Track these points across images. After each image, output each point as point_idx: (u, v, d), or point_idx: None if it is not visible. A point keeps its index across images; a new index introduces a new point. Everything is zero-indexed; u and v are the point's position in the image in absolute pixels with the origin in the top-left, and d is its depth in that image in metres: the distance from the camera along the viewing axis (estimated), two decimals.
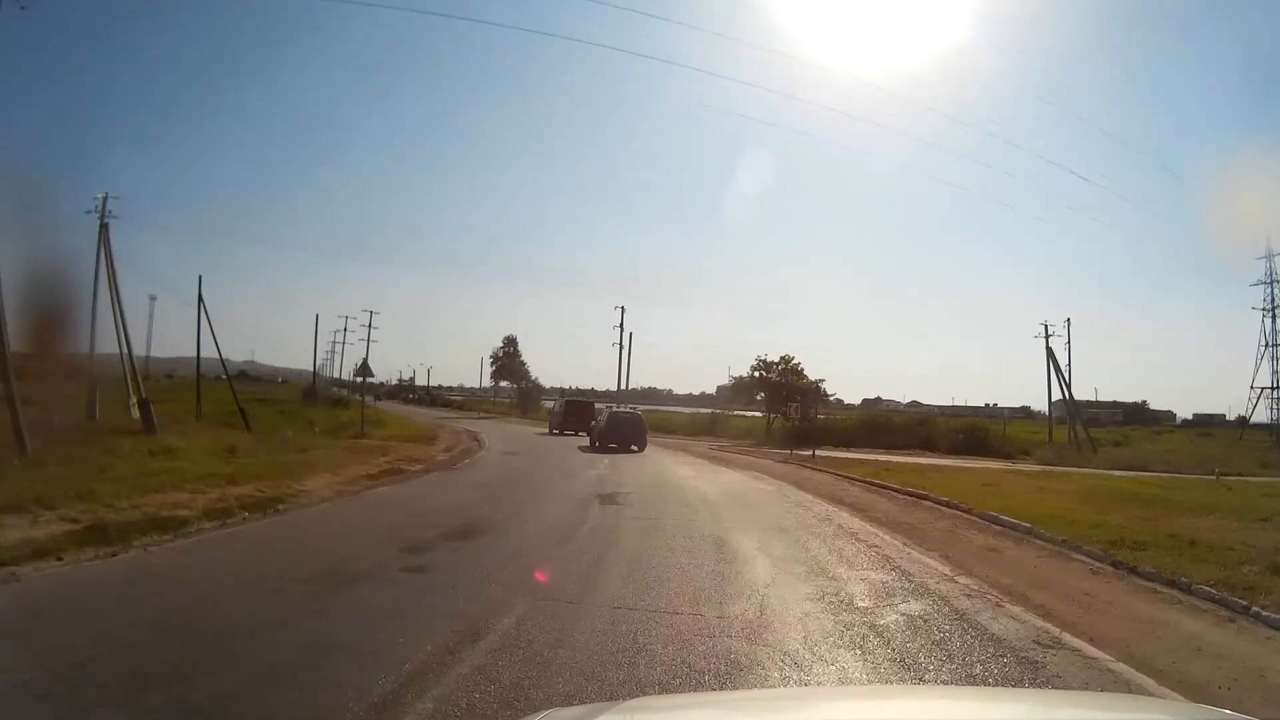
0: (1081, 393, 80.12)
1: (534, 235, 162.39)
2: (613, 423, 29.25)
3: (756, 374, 43.51)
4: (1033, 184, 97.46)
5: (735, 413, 53.85)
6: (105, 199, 26.45)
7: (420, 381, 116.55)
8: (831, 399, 44.57)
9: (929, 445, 44.09)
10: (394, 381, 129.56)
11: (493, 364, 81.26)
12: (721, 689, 4.53)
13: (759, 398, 44.40)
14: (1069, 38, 59.76)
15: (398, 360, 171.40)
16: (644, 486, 16.04)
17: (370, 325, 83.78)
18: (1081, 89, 69.99)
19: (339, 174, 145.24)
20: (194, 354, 29.43)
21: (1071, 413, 47.48)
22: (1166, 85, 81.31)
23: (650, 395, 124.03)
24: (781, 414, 43.45)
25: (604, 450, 26.91)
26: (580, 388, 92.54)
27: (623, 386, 55.44)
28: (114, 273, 25.71)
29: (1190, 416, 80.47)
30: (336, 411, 41.66)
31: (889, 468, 23.13)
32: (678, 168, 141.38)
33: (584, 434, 32.71)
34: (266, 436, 21.56)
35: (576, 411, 35.81)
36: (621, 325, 56.16)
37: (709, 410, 70.95)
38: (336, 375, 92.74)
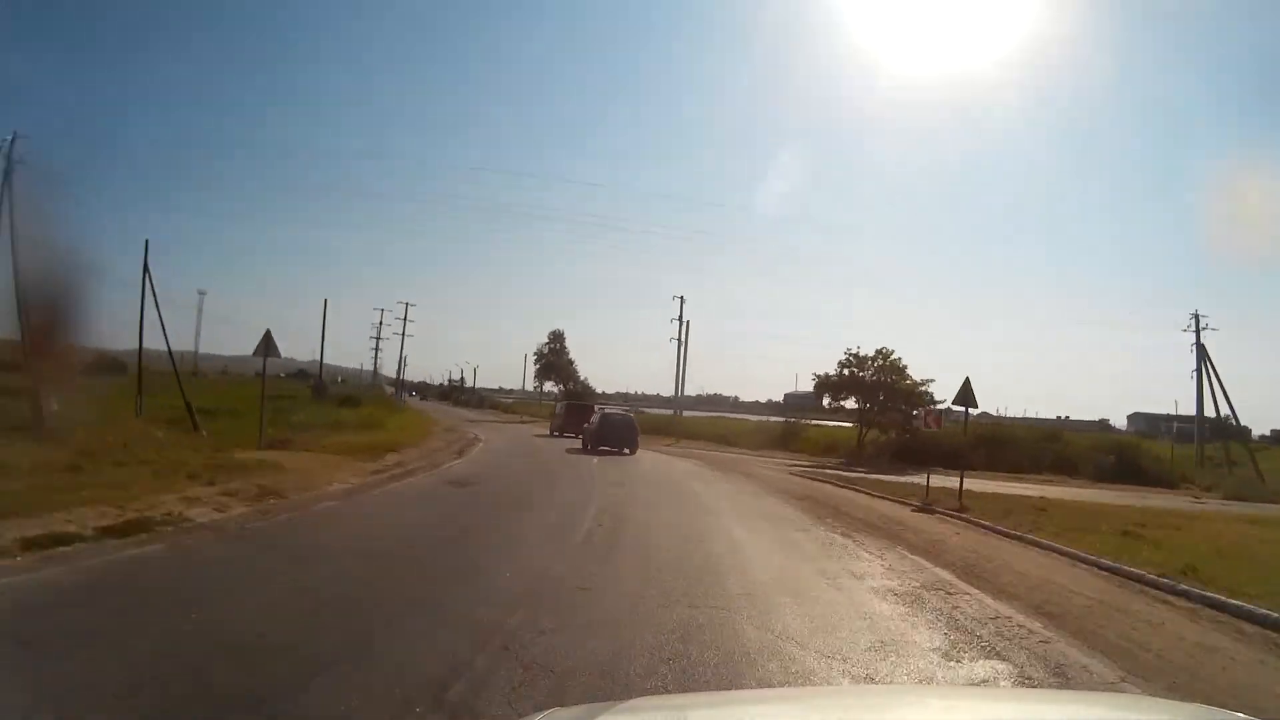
0: (1158, 405, 68.28)
1: (585, 224, 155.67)
2: (604, 425, 27.72)
3: (846, 371, 34.33)
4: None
5: (814, 421, 44.63)
6: (13, 138, 19.38)
7: (469, 383, 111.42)
8: (941, 406, 34.96)
9: (1066, 469, 34.99)
10: (446, 383, 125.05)
11: (536, 362, 73.88)
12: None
13: (846, 404, 35.05)
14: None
15: (445, 360, 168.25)
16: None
17: (405, 319, 78.24)
18: None
19: (399, 175, 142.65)
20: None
21: (1225, 430, 37.95)
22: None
23: (714, 402, 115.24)
24: (878, 424, 34.31)
25: (595, 452, 25.67)
26: (642, 393, 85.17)
27: (681, 388, 46.90)
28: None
29: (1268, 432, 65.81)
30: (340, 411, 35.62)
31: (1093, 517, 14.16)
32: (743, 156, 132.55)
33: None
34: (198, 440, 16.75)
35: (576, 414, 34.22)
36: (680, 317, 47.97)
37: (778, 418, 62.12)
38: (381, 372, 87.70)
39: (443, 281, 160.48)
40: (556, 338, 72.60)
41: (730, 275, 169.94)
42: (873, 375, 33.91)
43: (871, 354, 34.19)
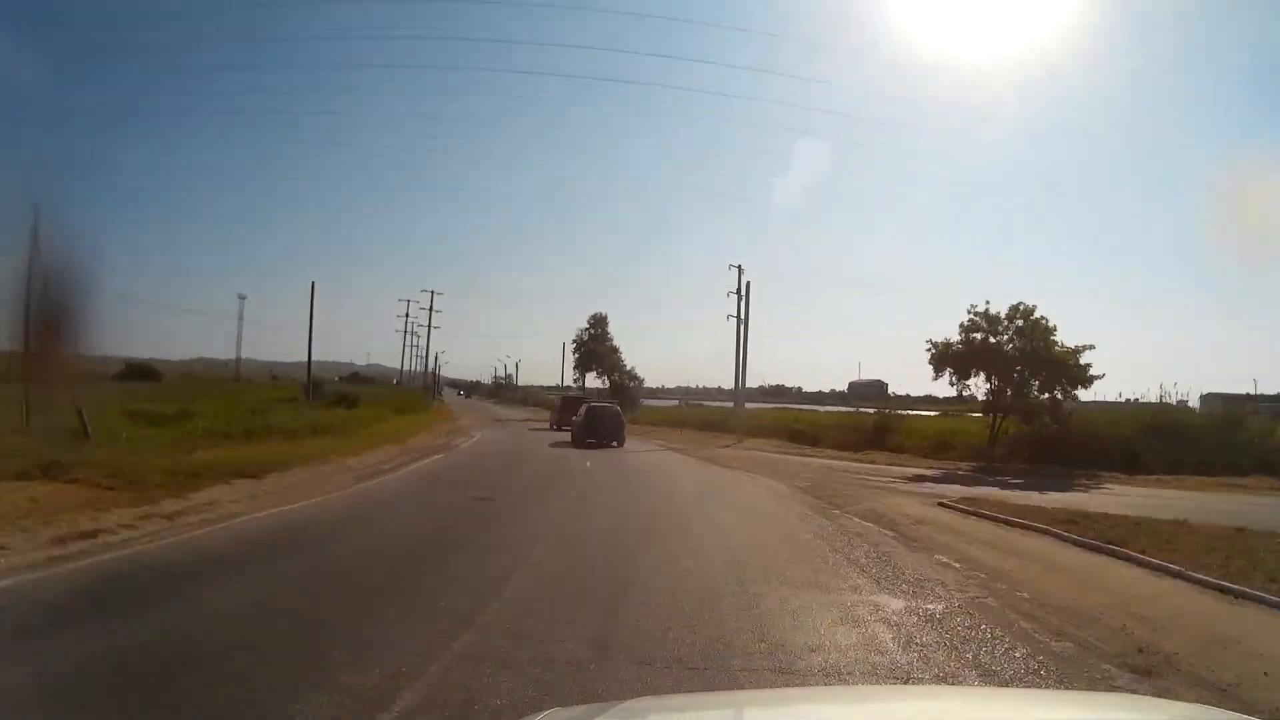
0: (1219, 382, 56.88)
1: (632, 203, 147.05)
2: (591, 417, 27.98)
3: (974, 337, 25.27)
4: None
5: (913, 412, 35.32)
6: None
7: (504, 378, 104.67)
8: (1092, 385, 25.36)
9: (1270, 468, 24.96)
10: (490, 381, 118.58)
11: (575, 351, 65.95)
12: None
13: (975, 383, 25.66)
14: None
15: (488, 356, 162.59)
16: None
17: (431, 308, 67.44)
18: None
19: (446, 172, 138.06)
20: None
21: None
22: None
23: (777, 393, 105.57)
24: (1018, 410, 25.08)
25: (583, 447, 25.06)
26: (702, 386, 76.52)
27: (742, 372, 38.41)
28: None
29: None
30: (330, 412, 30.35)
31: None
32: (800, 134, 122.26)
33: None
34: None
35: (572, 408, 33.64)
36: (739, 290, 39.43)
37: (849, 408, 52.98)
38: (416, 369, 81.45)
39: (488, 275, 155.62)
40: (598, 322, 64.28)
41: (784, 259, 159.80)
42: (1010, 340, 24.66)
43: (1005, 311, 25.01)
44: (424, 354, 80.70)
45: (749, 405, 53.64)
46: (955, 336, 25.34)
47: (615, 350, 64.00)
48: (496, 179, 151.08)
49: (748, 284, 35.05)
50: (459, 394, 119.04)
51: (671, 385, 65.57)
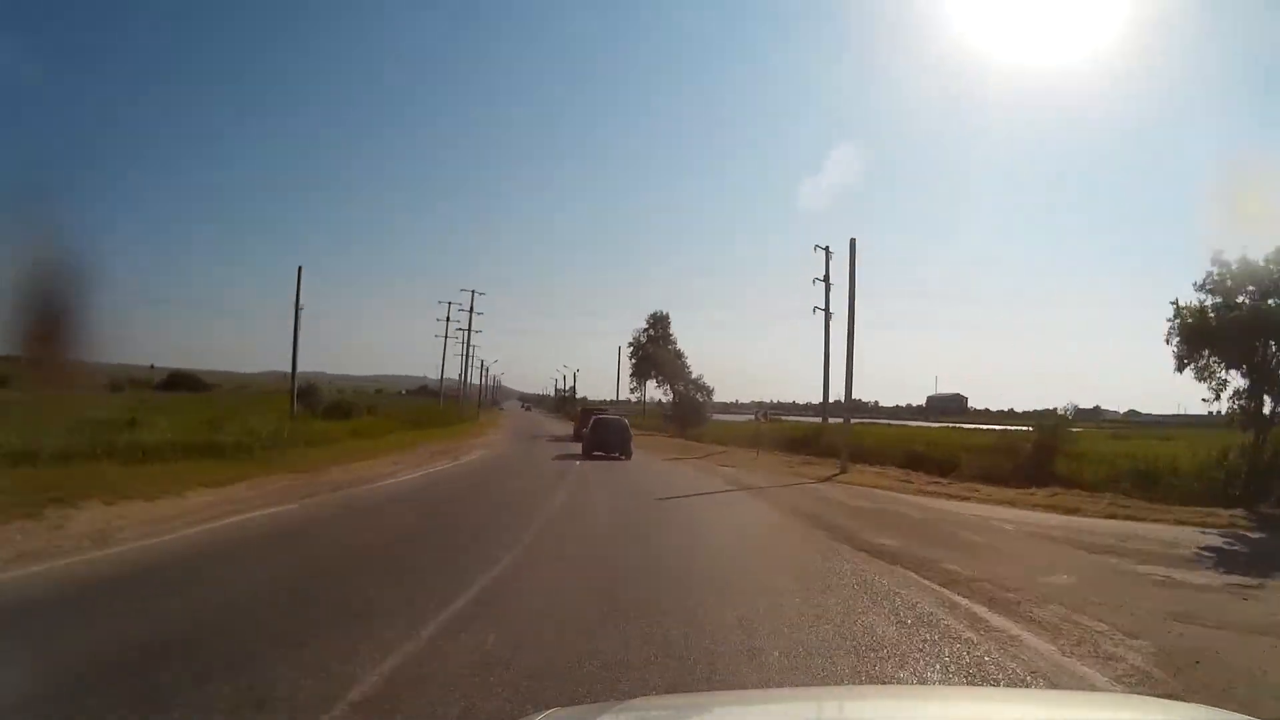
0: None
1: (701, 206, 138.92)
2: (597, 430, 27.25)
3: (1240, 301, 15.40)
4: None
5: (975, 426, 25.29)
6: None
7: (567, 391, 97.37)
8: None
9: None
10: (553, 394, 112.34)
11: (632, 356, 58.28)
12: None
13: (1230, 376, 15.84)
14: None
15: (547, 368, 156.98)
16: None
17: (471, 309, 57.47)
18: None
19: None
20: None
21: None
22: None
23: (855, 409, 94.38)
24: None
25: (589, 458, 24.98)
26: (793, 401, 68.08)
27: (847, 379, 28.31)
28: None
29: None
30: (313, 424, 26.84)
31: None
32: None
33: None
34: None
35: (588, 421, 30.92)
36: (826, 277, 30.98)
37: (932, 424, 44.10)
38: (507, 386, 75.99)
39: (554, 284, 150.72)
40: (657, 322, 56.96)
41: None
42: None
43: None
44: (472, 362, 74.67)
45: (836, 420, 43.20)
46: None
47: (679, 355, 55.37)
48: (570, 187, 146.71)
49: (851, 262, 25.93)
50: (523, 407, 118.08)
51: (746, 400, 56.99)
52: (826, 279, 31.08)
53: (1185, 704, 3.43)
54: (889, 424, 50.42)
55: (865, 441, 29.34)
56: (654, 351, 55.30)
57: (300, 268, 30.73)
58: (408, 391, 79.78)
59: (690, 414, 47.71)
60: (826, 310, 31.31)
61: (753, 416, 46.45)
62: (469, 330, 57.69)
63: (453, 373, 74.56)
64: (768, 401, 63.02)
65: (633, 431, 42.30)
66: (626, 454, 26.27)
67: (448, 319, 57.77)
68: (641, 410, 61.38)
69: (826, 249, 31.19)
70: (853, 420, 47.00)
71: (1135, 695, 3.95)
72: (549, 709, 2.00)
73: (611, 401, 65.60)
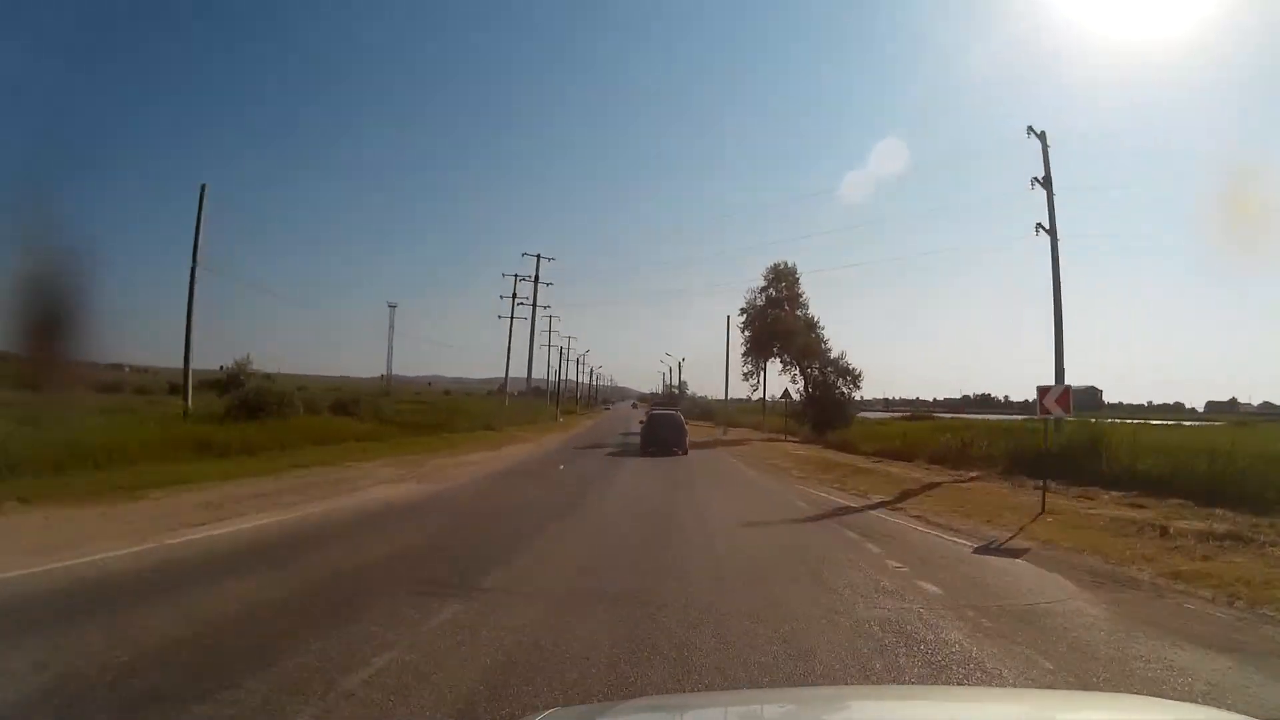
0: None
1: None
2: (651, 426, 27.67)
3: None
4: None
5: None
6: None
7: (675, 387, 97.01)
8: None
9: None
10: (662, 390, 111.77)
11: (744, 327, 42.01)
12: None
13: None
14: None
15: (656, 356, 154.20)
16: None
17: (536, 280, 48.51)
18: None
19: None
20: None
21: None
22: None
23: (984, 404, 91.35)
24: None
25: (644, 454, 25.04)
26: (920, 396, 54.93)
27: (1056, 354, 20.46)
28: None
29: None
30: (288, 421, 22.52)
31: None
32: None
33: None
34: None
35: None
36: (1046, 178, 20.86)
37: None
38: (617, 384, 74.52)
39: (665, 278, 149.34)
40: (781, 277, 41.06)
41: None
42: None
43: None
44: (567, 357, 72.39)
45: (972, 415, 37.01)
46: None
47: (812, 324, 39.84)
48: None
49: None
50: (633, 405, 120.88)
51: (895, 397, 43.73)
52: (1045, 180, 20.62)
53: (1185, 704, 3.45)
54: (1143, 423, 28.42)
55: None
56: (776, 316, 40.20)
57: (204, 185, 23.38)
58: (490, 393, 69.19)
59: (830, 409, 37.45)
60: (1052, 230, 20.58)
61: (909, 414, 40.24)
62: (534, 305, 49.73)
63: (546, 372, 71.01)
64: (893, 398, 47.40)
65: (748, 436, 38.51)
66: (682, 449, 26.34)
67: (514, 295, 49.58)
68: (761, 407, 47.61)
69: (1043, 134, 20.72)
70: (991, 415, 36.94)
71: (1135, 695, 3.97)
72: (549, 709, 2.08)
73: (720, 401, 55.25)
